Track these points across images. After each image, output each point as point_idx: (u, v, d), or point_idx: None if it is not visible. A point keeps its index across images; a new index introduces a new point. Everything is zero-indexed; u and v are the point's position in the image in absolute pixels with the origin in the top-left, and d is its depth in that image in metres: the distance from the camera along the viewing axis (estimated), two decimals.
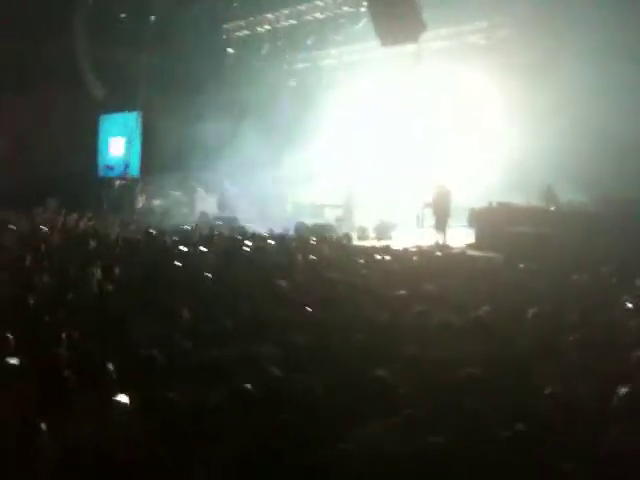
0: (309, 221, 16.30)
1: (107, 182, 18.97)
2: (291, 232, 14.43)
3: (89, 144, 20.84)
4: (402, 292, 6.13)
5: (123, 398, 3.43)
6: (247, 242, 11.05)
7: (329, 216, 17.81)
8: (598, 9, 13.10)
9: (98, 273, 6.89)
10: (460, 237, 13.39)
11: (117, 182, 19.01)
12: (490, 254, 10.77)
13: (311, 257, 9.45)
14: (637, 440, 3.06)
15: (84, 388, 3.52)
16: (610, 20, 12.96)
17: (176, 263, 8.16)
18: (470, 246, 12.61)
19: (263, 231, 13.26)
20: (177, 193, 18.68)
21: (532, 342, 4.60)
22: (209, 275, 7.28)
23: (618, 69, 13.02)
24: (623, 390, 3.38)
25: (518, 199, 13.41)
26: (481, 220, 13.04)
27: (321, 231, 14.47)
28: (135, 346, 4.32)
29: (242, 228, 14.41)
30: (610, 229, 10.36)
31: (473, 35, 17.67)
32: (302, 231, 14.93)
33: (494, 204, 13.25)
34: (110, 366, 3.78)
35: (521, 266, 8.77)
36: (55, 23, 17.27)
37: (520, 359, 4.23)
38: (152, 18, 19.10)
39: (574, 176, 13.08)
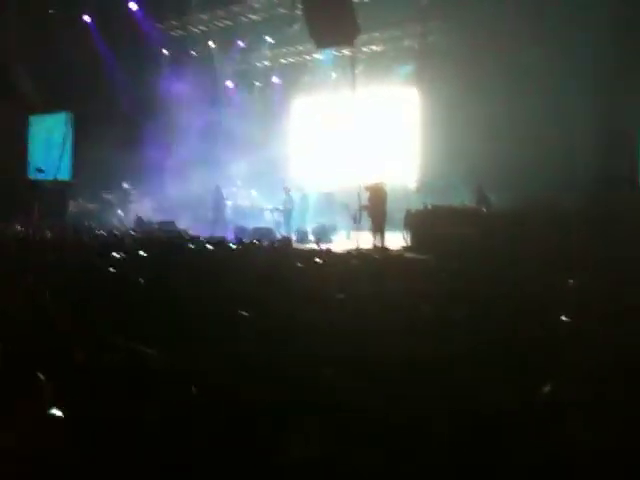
0: (249, 225, 16.28)
1: (38, 185, 18.35)
2: (231, 236, 14.36)
3: (19, 146, 20.18)
4: (341, 295, 6.18)
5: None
6: (188, 245, 10.90)
7: (269, 219, 17.82)
8: (528, 17, 13.62)
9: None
10: (397, 240, 13.61)
11: (48, 185, 18.43)
12: (425, 256, 10.98)
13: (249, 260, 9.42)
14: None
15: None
16: (538, 28, 13.48)
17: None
18: (407, 248, 12.83)
19: (202, 235, 13.13)
20: (109, 196, 18.25)
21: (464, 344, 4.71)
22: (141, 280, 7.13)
23: (546, 77, 13.59)
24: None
25: (453, 201, 13.76)
26: (416, 223, 13.27)
27: (261, 235, 14.47)
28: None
29: (180, 232, 14.24)
30: (534, 229, 10.73)
31: (407, 39, 18.02)
32: (242, 235, 14.88)
33: (428, 206, 13.52)
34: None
35: (454, 267, 9.01)
36: None
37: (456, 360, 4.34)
38: (84, 16, 18.66)
39: (504, 178, 13.52)
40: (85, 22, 18.75)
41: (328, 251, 11.18)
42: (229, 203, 18.53)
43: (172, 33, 19.78)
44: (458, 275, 8.12)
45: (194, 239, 12.39)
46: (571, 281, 7.65)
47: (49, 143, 20.34)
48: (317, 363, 4.11)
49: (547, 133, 13.64)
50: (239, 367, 4.17)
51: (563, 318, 5.37)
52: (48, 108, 19.95)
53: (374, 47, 18.45)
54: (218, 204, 17.87)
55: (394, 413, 3.34)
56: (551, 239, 10.06)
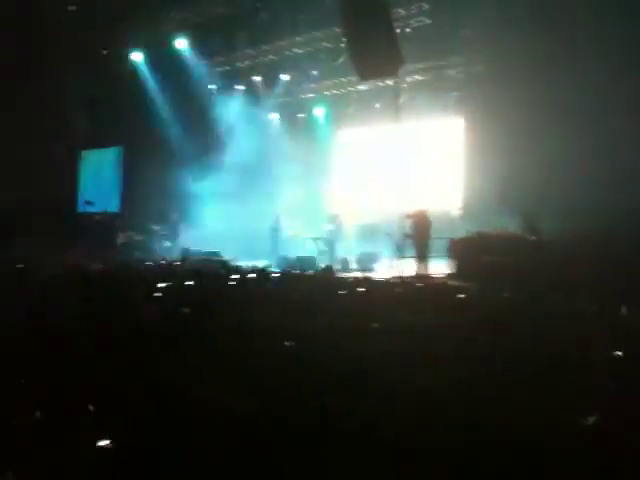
0: (292, 254, 16.33)
1: (86, 217, 18.88)
2: (274, 266, 14.45)
3: (70, 179, 20.84)
4: (376, 325, 6.13)
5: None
6: (232, 276, 11.01)
7: (311, 249, 17.83)
8: (571, 46, 13.44)
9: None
10: (441, 267, 13.42)
11: (96, 217, 18.92)
12: (469, 284, 10.77)
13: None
14: None
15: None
16: (579, 56, 13.28)
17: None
18: (451, 276, 12.62)
19: (246, 265, 13.26)
20: (157, 227, 18.59)
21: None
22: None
23: (594, 107, 13.34)
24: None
25: (499, 228, 13.51)
26: (461, 250, 13.07)
27: (304, 263, 14.49)
28: None
29: (225, 262, 14.39)
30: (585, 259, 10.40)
31: (451, 69, 17.99)
32: (285, 264, 14.95)
33: (473, 234, 13.32)
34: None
35: (504, 295, 8.80)
36: (41, 58, 17.32)
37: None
38: (134, 53, 19.29)
39: (549, 206, 13.22)
40: (135, 59, 19.35)
41: (371, 279, 11.12)
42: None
43: (218, 68, 20.24)
44: (503, 305, 7.92)
45: (238, 269, 12.50)
46: (624, 310, 7.39)
47: (99, 177, 20.94)
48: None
49: (596, 162, 13.32)
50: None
51: (616, 353, 5.15)
52: (99, 143, 20.59)
53: (418, 77, 18.47)
54: (275, 234, 18.01)
55: None
56: (603, 269, 9.76)
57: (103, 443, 3.26)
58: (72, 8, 16.24)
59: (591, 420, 3.46)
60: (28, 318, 6.34)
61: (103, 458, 3.14)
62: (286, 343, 5.63)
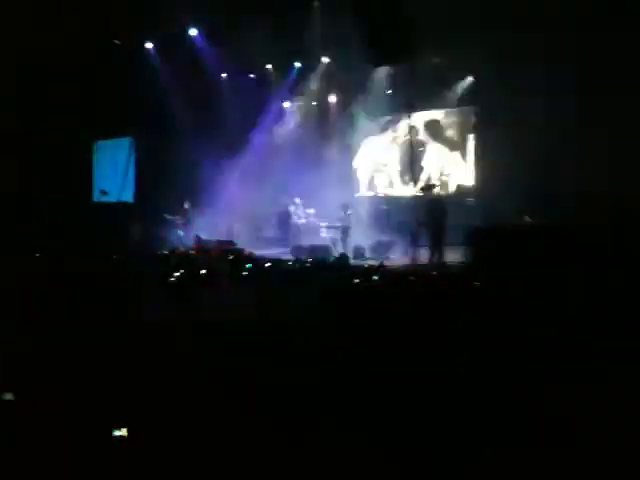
0: (305, 243, 16.33)
1: (101, 208, 18.94)
2: (288, 255, 14.47)
3: (84, 170, 20.90)
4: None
5: None
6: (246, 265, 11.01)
7: (326, 237, 17.83)
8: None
9: None
10: (456, 255, 13.34)
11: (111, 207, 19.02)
12: (486, 272, 10.68)
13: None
14: None
15: None
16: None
17: None
18: (466, 265, 12.53)
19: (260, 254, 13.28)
20: (170, 217, 18.64)
21: None
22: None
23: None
24: None
25: (515, 217, 13.42)
26: (477, 239, 12.96)
27: (318, 253, 14.49)
28: None
29: (239, 251, 14.38)
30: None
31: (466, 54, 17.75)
32: (299, 253, 14.97)
33: (492, 222, 13.23)
34: None
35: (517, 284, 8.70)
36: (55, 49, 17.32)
37: None
38: (146, 44, 19.27)
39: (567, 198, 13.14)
40: (147, 49, 19.32)
41: (385, 268, 11.08)
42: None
43: (231, 57, 20.13)
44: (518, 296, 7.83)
45: (252, 258, 12.52)
46: None
47: (113, 167, 20.99)
48: None
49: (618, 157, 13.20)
50: None
51: None
52: (112, 133, 20.60)
53: (432, 61, 18.25)
54: (284, 223, 18.08)
55: None
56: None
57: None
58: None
59: None
60: None
61: None
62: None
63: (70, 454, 3.20)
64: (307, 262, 11.92)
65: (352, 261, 13.58)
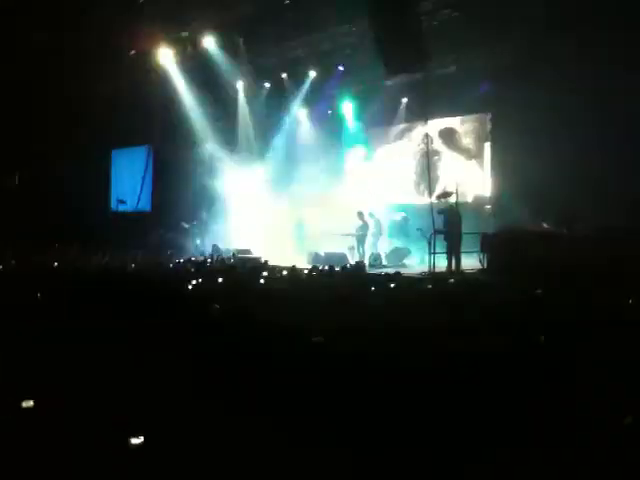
0: (322, 250, 16.37)
1: (119, 216, 19.12)
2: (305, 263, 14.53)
3: (102, 178, 21.13)
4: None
5: None
6: (263, 274, 11.11)
7: (342, 245, 17.84)
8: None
9: None
10: (473, 262, 13.32)
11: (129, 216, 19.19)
12: (502, 279, 10.67)
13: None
14: None
15: None
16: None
17: None
18: (483, 271, 12.53)
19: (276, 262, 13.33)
20: (187, 225, 18.77)
21: None
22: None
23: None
24: None
25: (532, 223, 13.37)
26: (493, 245, 12.94)
27: (334, 260, 14.50)
28: None
29: (255, 259, 14.50)
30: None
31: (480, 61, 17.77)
32: (316, 261, 15.01)
33: (505, 228, 13.20)
34: None
35: (537, 291, 8.69)
36: (72, 60, 17.54)
37: None
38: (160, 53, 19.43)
39: (581, 202, 13.07)
40: (163, 59, 19.46)
41: (402, 275, 11.10)
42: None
43: (245, 66, 20.27)
44: (537, 302, 7.80)
45: (267, 266, 12.59)
46: None
47: (130, 176, 21.19)
48: None
49: (625, 156, 13.14)
50: None
51: None
52: (129, 142, 20.81)
53: (446, 70, 18.27)
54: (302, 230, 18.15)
55: None
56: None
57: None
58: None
59: None
60: None
61: None
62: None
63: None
64: (323, 270, 11.96)
65: (368, 269, 13.61)
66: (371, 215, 17.60)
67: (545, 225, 13.21)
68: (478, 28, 15.49)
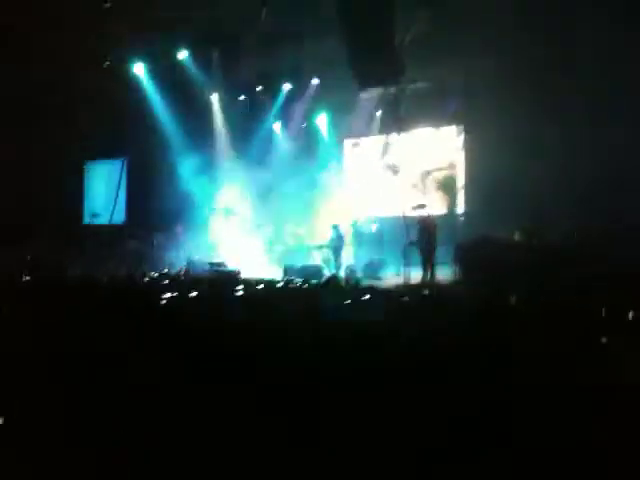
0: (297, 263, 16.34)
1: (91, 229, 18.92)
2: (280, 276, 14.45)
3: (75, 191, 20.89)
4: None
5: None
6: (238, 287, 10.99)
7: (317, 257, 17.86)
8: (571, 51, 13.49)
9: None
10: (447, 273, 13.41)
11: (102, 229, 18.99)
12: (476, 289, 10.74)
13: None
14: None
15: None
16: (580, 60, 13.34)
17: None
18: (457, 283, 12.60)
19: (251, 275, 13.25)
20: (161, 238, 18.61)
21: None
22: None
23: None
24: None
25: (503, 233, 13.51)
26: (467, 256, 13.04)
27: (309, 273, 14.49)
28: None
29: (230, 273, 14.40)
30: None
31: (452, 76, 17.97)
32: (290, 274, 14.96)
33: (478, 239, 13.30)
34: None
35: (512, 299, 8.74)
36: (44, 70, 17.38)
37: None
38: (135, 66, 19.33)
39: (551, 212, 13.28)
40: (136, 71, 19.37)
41: (376, 288, 11.09)
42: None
43: (219, 79, 20.27)
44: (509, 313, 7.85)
45: (243, 280, 12.49)
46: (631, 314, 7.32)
47: (104, 188, 21.02)
48: None
49: (598, 170, 13.38)
50: None
51: None
52: (103, 155, 20.64)
53: (419, 84, 18.45)
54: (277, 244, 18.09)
55: None
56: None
57: None
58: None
59: None
60: None
61: None
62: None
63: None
64: (297, 282, 11.92)
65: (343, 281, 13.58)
66: (345, 227, 17.64)
67: (516, 237, 13.37)
68: (454, 42, 15.74)
